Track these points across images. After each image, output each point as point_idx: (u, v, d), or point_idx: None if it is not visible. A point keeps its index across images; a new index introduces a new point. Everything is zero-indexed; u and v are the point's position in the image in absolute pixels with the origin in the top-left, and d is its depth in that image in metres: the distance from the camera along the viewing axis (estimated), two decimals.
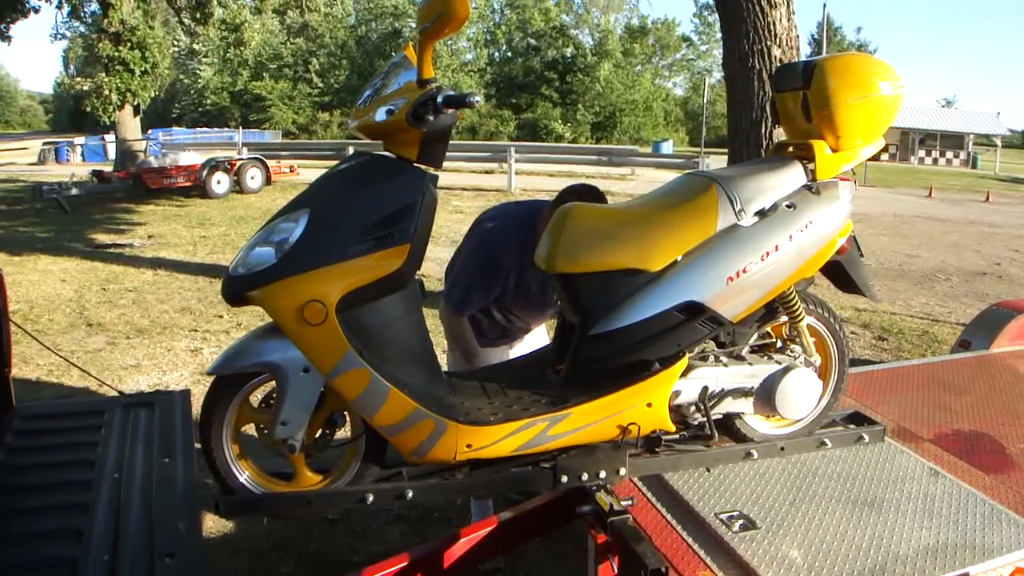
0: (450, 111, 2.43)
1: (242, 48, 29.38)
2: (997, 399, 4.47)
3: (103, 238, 14.32)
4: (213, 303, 9.35)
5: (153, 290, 10.09)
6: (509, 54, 70.09)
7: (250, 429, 2.67)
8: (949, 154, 64.86)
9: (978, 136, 66.34)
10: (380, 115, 2.45)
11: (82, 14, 25.86)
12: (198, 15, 25.62)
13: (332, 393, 2.54)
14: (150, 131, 31.85)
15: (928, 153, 65.01)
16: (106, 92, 22.32)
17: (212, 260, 12.24)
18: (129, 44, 22.38)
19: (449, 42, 63.24)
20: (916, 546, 2.71)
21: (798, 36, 7.57)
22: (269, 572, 2.72)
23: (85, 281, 10.57)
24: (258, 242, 2.43)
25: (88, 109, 23.54)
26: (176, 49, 52.68)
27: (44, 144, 39.79)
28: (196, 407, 3.04)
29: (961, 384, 4.73)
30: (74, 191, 19.48)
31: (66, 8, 24.16)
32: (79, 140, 42.16)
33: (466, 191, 22.87)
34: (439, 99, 2.38)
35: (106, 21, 22.35)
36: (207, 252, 12.98)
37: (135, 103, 23.51)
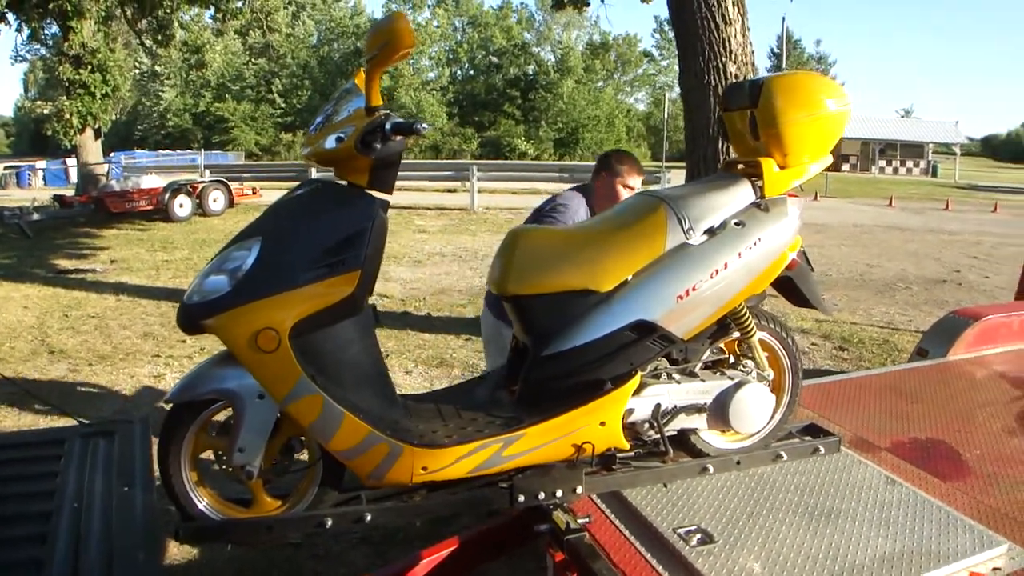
0: (398, 138, 2.46)
1: (204, 70, 29.26)
2: (953, 406, 4.52)
3: (65, 263, 14.23)
4: (176, 328, 9.25)
5: (115, 316, 10.03)
6: (471, 72, 70.27)
7: (209, 456, 2.69)
8: (909, 163, 65.68)
9: (937, 145, 67.29)
10: (330, 142, 2.48)
11: (42, 36, 25.71)
12: (160, 37, 25.50)
13: (288, 419, 2.55)
14: (112, 154, 31.64)
15: (889, 163, 65.77)
16: (67, 115, 22.16)
17: (175, 284, 12.17)
18: (90, 67, 22.25)
19: (411, 61, 63.33)
20: (872, 555, 2.74)
21: (753, 52, 7.67)
22: None
23: (47, 307, 10.50)
24: (212, 271, 2.44)
25: (49, 133, 23.38)
26: (138, 71, 52.40)
27: (5, 168, 39.45)
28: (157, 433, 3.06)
29: (918, 392, 4.78)
30: (36, 216, 19.35)
31: (26, 31, 24.01)
32: (40, 164, 41.84)
33: (429, 210, 22.96)
34: (387, 126, 2.42)
35: (67, 44, 22.19)
36: (170, 276, 12.92)
37: (96, 126, 23.35)
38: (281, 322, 2.36)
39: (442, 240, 17.41)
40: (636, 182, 4.42)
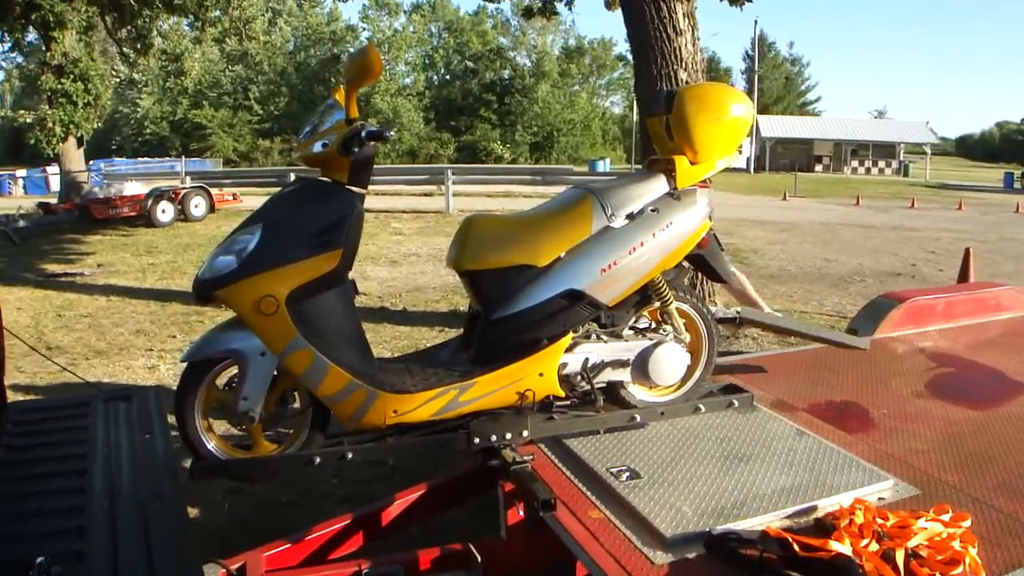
0: (372, 143, 3.08)
1: (183, 78, 29.60)
2: (871, 377, 5.02)
3: (54, 268, 14.61)
4: (166, 325, 9.80)
5: (107, 315, 10.47)
6: (447, 77, 70.36)
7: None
8: (881, 163, 66.27)
9: (909, 145, 67.89)
10: (317, 148, 3.10)
11: (23, 46, 26.04)
12: (139, 46, 25.88)
13: (284, 375, 3.16)
14: (91, 162, 31.92)
15: (861, 163, 66.37)
16: (50, 124, 22.47)
17: (162, 286, 12.62)
18: (72, 76, 22.57)
19: (387, 66, 63.61)
20: (775, 488, 3.27)
21: (704, 59, 8.26)
22: (230, 549, 3.25)
23: (40, 308, 10.92)
24: (221, 252, 3.05)
25: (32, 141, 23.69)
26: (115, 79, 52.58)
27: None
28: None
29: (841, 366, 5.28)
30: (21, 223, 19.70)
31: (8, 43, 24.37)
32: (21, 173, 42.02)
33: (405, 214, 23.33)
34: (363, 133, 3.03)
35: (49, 54, 22.51)
36: (156, 278, 13.35)
37: (79, 135, 23.70)
38: (279, 291, 2.96)
39: (418, 241, 17.87)
40: None
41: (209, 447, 3.16)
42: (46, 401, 5.28)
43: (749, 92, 71.34)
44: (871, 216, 26.64)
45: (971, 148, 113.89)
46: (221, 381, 3.23)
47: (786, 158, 63.73)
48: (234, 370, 3.16)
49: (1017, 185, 52.80)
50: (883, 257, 16.37)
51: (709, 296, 8.42)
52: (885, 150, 66.66)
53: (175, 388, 3.23)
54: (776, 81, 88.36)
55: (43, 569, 2.29)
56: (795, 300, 11.43)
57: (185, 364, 3.16)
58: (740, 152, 3.88)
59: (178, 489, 2.98)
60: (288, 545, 3.32)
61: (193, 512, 4.75)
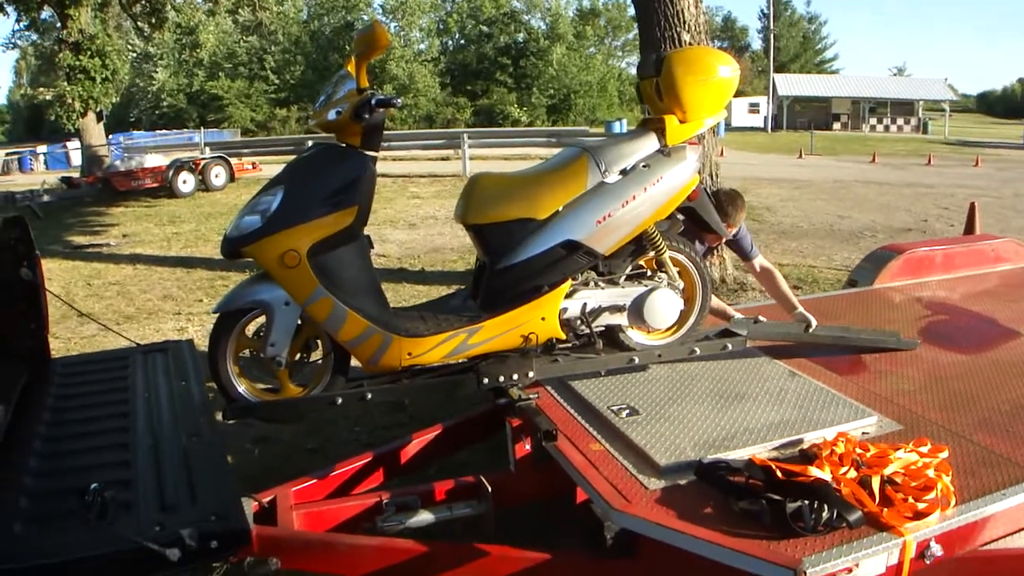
0: (381, 110, 3.35)
1: (198, 50, 29.72)
2: (865, 322, 5.28)
3: (80, 239, 14.93)
4: (192, 290, 10.13)
5: (135, 282, 10.81)
6: (462, 42, 69.80)
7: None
8: (900, 121, 65.66)
9: (928, 102, 67.32)
10: (331, 115, 3.36)
11: (39, 24, 26.19)
12: (153, 20, 25.97)
13: (307, 323, 3.45)
14: (110, 136, 32.12)
15: (880, 121, 65.81)
16: (69, 100, 22.64)
17: (187, 253, 12.96)
18: (89, 53, 22.70)
19: (401, 32, 63.41)
20: (764, 422, 3.54)
21: (707, 21, 8.43)
22: (261, 488, 3.55)
23: (70, 278, 11.25)
24: (246, 212, 3.33)
25: (52, 117, 23.91)
26: (131, 53, 52.62)
27: (7, 155, 40.01)
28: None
29: (839, 313, 5.53)
30: (46, 198, 20.09)
31: (24, 21, 24.55)
32: (42, 149, 42.34)
33: (423, 178, 23.58)
34: (373, 101, 3.31)
35: (65, 31, 22.68)
36: (181, 247, 13.67)
37: (98, 109, 23.89)
38: (301, 245, 3.24)
39: (435, 205, 18.08)
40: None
41: (240, 391, 3.45)
42: (88, 355, 5.60)
43: (765, 51, 71.06)
44: (887, 173, 26.59)
45: (992, 104, 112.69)
46: (250, 330, 3.51)
47: (804, 116, 63.33)
48: (261, 320, 3.44)
49: None
50: (896, 213, 16.48)
51: (716, 252, 8.63)
52: (904, 108, 66.15)
53: (205, 346, 3.52)
54: (793, 39, 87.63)
55: (97, 493, 2.58)
56: (806, 255, 11.65)
57: (216, 315, 3.46)
58: (727, 110, 4.11)
59: (215, 427, 3.27)
60: (314, 481, 3.62)
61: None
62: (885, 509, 2.78)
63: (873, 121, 65.82)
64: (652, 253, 3.89)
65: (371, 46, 3.29)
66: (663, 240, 3.86)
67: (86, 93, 23.03)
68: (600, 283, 3.83)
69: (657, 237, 3.83)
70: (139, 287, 10.49)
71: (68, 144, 37.94)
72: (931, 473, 2.95)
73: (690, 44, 7.99)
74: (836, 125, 65.02)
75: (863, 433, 3.51)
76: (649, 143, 3.78)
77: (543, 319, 3.63)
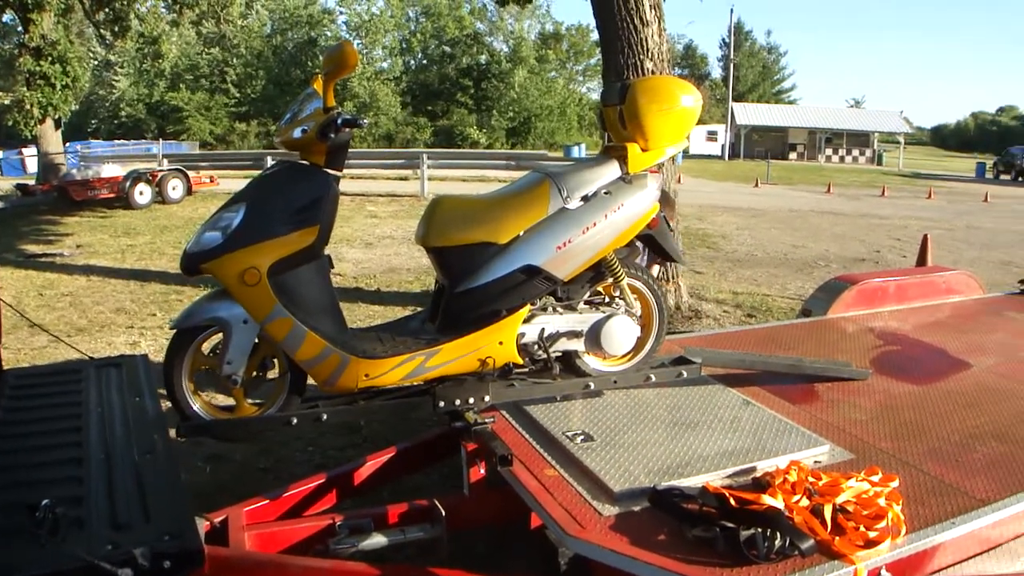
0: (347, 130, 3.36)
1: (160, 60, 29.48)
2: (819, 353, 5.29)
3: (34, 248, 14.75)
4: (146, 303, 10.02)
5: (88, 294, 10.66)
6: (424, 62, 69.93)
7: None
8: (856, 152, 66.72)
9: (883, 134, 68.38)
10: (297, 133, 3.38)
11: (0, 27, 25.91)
12: (116, 28, 25.75)
13: (264, 342, 3.44)
14: (67, 144, 31.80)
15: (835, 151, 66.81)
16: (28, 106, 22.36)
17: (141, 266, 12.81)
18: (50, 59, 22.37)
19: (364, 51, 63.42)
20: (718, 450, 3.55)
21: (669, 50, 8.52)
22: (212, 509, 3.50)
23: (22, 287, 11.10)
24: (207, 228, 3.33)
25: (10, 123, 23.60)
26: (92, 61, 52.11)
27: None
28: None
29: (793, 342, 5.57)
30: (0, 204, 19.80)
31: None
32: None
33: (381, 197, 23.61)
34: (339, 121, 3.32)
35: (27, 36, 22.43)
36: (135, 259, 13.53)
37: (56, 117, 23.66)
38: (261, 263, 3.24)
39: (393, 224, 18.11)
40: None
41: (195, 408, 3.44)
42: (40, 367, 5.54)
43: (725, 80, 71.84)
44: (841, 204, 27.01)
45: (946, 138, 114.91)
46: (206, 348, 3.49)
47: (761, 146, 64.09)
48: (219, 338, 3.42)
49: (988, 175, 53.35)
50: (849, 243, 16.72)
51: (672, 279, 8.71)
52: (859, 139, 67.17)
53: (159, 361, 3.49)
54: (752, 69, 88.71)
55: (48, 509, 2.54)
56: (760, 284, 11.77)
57: (173, 331, 3.43)
58: (688, 140, 4.16)
59: (168, 444, 3.24)
60: (267, 501, 3.59)
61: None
62: (837, 537, 2.80)
63: (829, 151, 66.78)
64: (611, 280, 3.92)
65: (339, 65, 3.28)
66: (622, 267, 3.89)
67: (45, 99, 22.71)
68: (558, 308, 3.85)
69: (616, 264, 3.86)
70: (92, 299, 10.36)
71: (24, 151, 37.46)
72: (882, 502, 2.98)
73: (653, 71, 8.07)
74: (792, 155, 65.89)
75: (816, 462, 3.54)
76: (611, 170, 3.82)
77: (501, 343, 3.64)
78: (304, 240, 3.32)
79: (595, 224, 3.68)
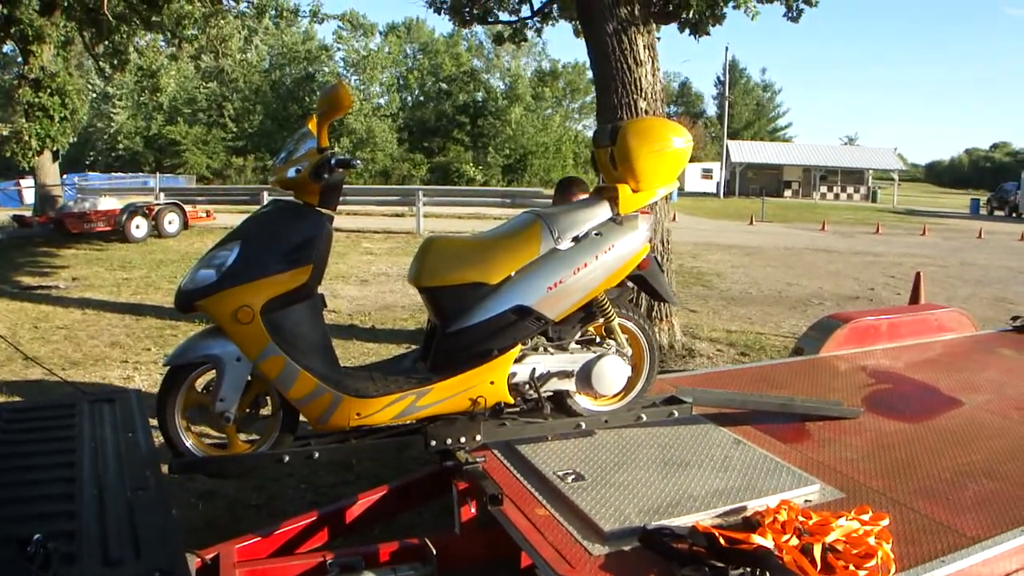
0: (340, 170, 3.41)
1: (158, 94, 29.57)
2: (811, 392, 5.30)
3: (29, 280, 14.74)
4: (141, 338, 10.01)
5: (83, 327, 10.65)
6: (421, 98, 70.41)
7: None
8: (850, 189, 67.02)
9: (877, 171, 68.73)
10: (291, 173, 3.42)
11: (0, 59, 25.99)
12: (115, 61, 25.87)
13: (257, 379, 3.46)
14: (65, 176, 31.86)
15: (830, 189, 67.11)
16: (26, 138, 22.36)
17: (136, 300, 12.80)
18: (49, 90, 22.41)
19: (362, 86, 63.75)
20: (708, 490, 3.55)
21: (663, 89, 8.59)
22: (204, 545, 3.50)
23: (16, 320, 11.08)
24: (202, 265, 3.36)
25: (8, 154, 23.64)
26: (91, 93, 52.25)
27: None
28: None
29: (785, 381, 5.57)
30: None
31: None
32: None
33: (376, 234, 23.63)
34: (332, 161, 3.37)
35: (27, 68, 22.49)
36: (131, 293, 13.51)
37: (54, 149, 23.69)
38: (255, 302, 3.27)
39: (388, 261, 18.11)
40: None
41: (187, 445, 3.46)
42: (34, 402, 5.54)
43: (720, 117, 72.22)
44: (836, 241, 27.08)
45: (940, 174, 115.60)
46: (200, 384, 3.52)
47: (756, 183, 64.37)
48: (212, 375, 3.45)
49: (983, 211, 53.62)
50: (844, 281, 16.74)
51: (665, 318, 8.75)
52: (854, 176, 67.50)
53: (153, 395, 3.51)
54: (747, 107, 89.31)
55: (39, 545, 2.55)
56: (753, 322, 11.77)
57: (167, 368, 3.46)
58: (679, 181, 4.20)
59: (161, 481, 3.25)
60: (258, 538, 3.59)
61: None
62: None
63: (824, 189, 67.08)
64: (601, 320, 3.95)
65: (334, 106, 3.33)
66: (612, 307, 3.92)
67: (44, 131, 22.72)
68: (549, 348, 3.88)
69: (607, 304, 3.89)
70: (87, 332, 10.35)
71: (21, 182, 37.48)
72: (872, 541, 2.99)
73: (646, 111, 8.14)
74: (787, 192, 66.15)
75: (806, 501, 3.54)
76: (602, 211, 3.86)
77: (492, 383, 3.66)
78: (297, 279, 3.35)
79: (586, 265, 3.71)
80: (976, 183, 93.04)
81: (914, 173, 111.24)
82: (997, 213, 52.23)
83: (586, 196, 4.36)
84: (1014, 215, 49.72)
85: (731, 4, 9.35)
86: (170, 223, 22.41)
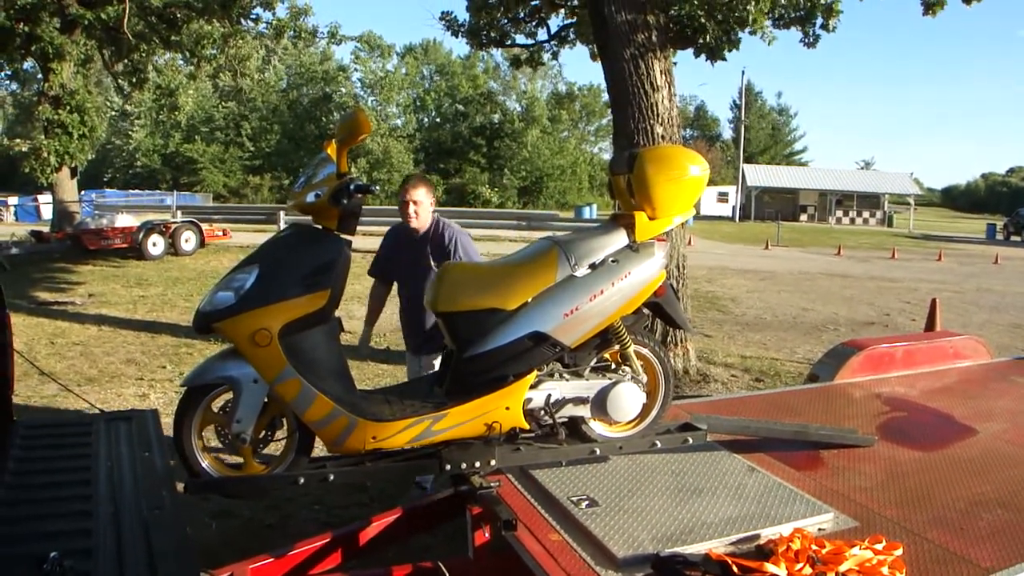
0: (359, 195, 3.44)
1: (176, 112, 29.76)
2: (825, 419, 5.26)
3: (46, 296, 14.85)
4: (156, 356, 10.07)
5: (99, 344, 10.73)
6: (438, 120, 70.63)
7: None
8: (866, 213, 66.84)
9: (893, 196, 68.56)
10: (310, 198, 3.45)
11: (21, 74, 26.18)
12: (134, 79, 26.08)
13: (274, 401, 3.48)
14: (83, 192, 32.04)
15: (846, 213, 66.95)
16: (45, 154, 22.48)
17: (152, 317, 12.88)
18: (68, 108, 22.58)
19: (378, 108, 64.05)
20: (722, 517, 3.53)
21: (679, 114, 8.62)
22: (218, 565, 3.52)
23: (33, 335, 11.16)
24: (220, 288, 3.38)
25: (27, 170, 23.82)
26: (109, 111, 52.63)
27: None
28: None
29: (799, 408, 5.54)
30: (14, 250, 20.01)
31: (7, 70, 24.62)
32: (12, 200, 42.19)
33: None
34: (352, 187, 3.40)
35: (47, 85, 22.67)
36: (147, 310, 13.60)
37: (73, 165, 23.85)
38: (273, 325, 3.29)
39: None
40: (414, 195, 5.37)
41: (204, 465, 3.48)
42: (51, 420, 5.59)
43: (736, 141, 72.26)
44: (851, 266, 27.02)
45: (956, 199, 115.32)
46: (216, 406, 3.55)
47: (772, 207, 64.34)
48: (228, 396, 3.48)
49: (999, 236, 53.44)
50: (859, 307, 16.70)
51: (680, 343, 8.76)
52: (870, 200, 67.38)
53: (168, 414, 3.54)
54: (763, 131, 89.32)
55: (56, 563, 2.57)
56: (768, 348, 11.76)
57: (184, 389, 3.48)
58: (696, 209, 4.21)
59: (176, 500, 3.28)
60: (272, 559, 3.60)
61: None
62: None
63: (839, 213, 66.93)
64: (617, 346, 3.95)
65: (353, 133, 3.35)
66: (628, 334, 3.93)
67: (62, 148, 22.89)
68: (565, 375, 3.88)
69: (623, 331, 3.90)
70: (103, 349, 10.43)
71: (39, 197, 37.77)
72: (885, 571, 2.99)
73: (663, 136, 8.18)
74: (803, 216, 66.06)
75: (819, 529, 3.53)
76: (619, 238, 3.86)
77: (508, 408, 3.66)
78: (315, 303, 3.37)
79: (602, 292, 3.72)
80: (993, 208, 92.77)
81: (930, 197, 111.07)
82: (1014, 238, 52.07)
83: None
84: None
85: (747, 29, 9.37)
86: (187, 241, 22.56)
